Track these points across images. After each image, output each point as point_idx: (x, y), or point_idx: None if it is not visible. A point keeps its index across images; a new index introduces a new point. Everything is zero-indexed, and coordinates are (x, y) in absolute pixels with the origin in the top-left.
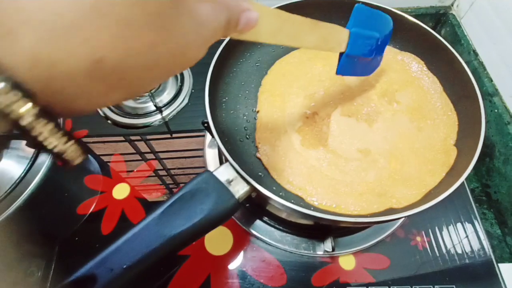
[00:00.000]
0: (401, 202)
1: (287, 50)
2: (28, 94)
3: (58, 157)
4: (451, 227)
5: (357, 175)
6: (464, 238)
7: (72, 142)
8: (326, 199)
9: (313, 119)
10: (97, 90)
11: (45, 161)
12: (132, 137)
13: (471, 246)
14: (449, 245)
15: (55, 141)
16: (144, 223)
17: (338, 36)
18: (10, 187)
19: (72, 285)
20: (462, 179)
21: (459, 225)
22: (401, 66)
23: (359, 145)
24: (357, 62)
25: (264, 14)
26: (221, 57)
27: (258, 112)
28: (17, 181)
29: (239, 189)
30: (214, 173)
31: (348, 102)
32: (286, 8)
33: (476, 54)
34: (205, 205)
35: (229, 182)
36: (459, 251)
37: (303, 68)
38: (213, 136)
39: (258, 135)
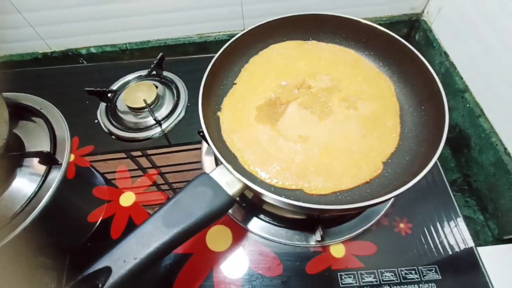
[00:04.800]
0: (312, 189)
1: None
2: None
3: None
4: (432, 214)
5: (287, 155)
6: (444, 223)
7: None
8: (254, 164)
9: (274, 102)
10: None
11: (56, 176)
12: (134, 153)
13: (450, 229)
14: (429, 230)
15: None
16: (150, 221)
17: None
18: (25, 202)
19: (88, 278)
20: (432, 162)
21: (439, 211)
22: (377, 82)
23: (302, 131)
24: None
25: None
26: (212, 72)
27: (235, 84)
28: (31, 196)
29: (233, 187)
30: (210, 174)
31: (310, 97)
32: (266, 25)
33: (447, 55)
34: (203, 202)
35: (224, 181)
36: (439, 235)
37: (288, 61)
38: (208, 143)
39: (226, 101)
